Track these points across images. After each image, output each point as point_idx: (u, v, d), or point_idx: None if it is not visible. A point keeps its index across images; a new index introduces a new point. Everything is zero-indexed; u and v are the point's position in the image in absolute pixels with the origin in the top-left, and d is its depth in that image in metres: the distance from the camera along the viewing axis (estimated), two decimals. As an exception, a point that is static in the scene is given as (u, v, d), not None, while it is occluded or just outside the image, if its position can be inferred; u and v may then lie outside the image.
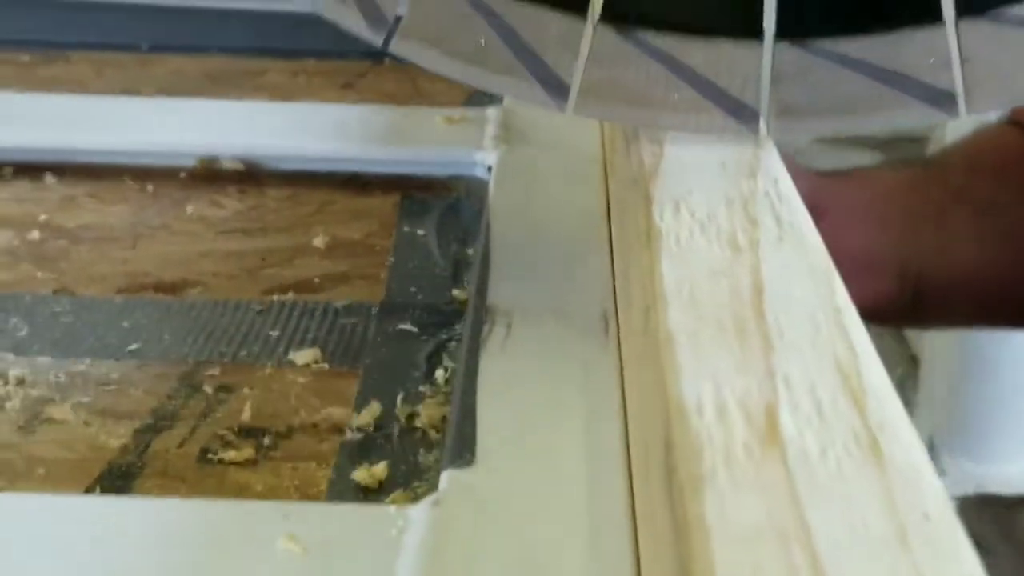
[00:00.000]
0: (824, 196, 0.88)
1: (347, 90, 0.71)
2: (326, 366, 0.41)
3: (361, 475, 0.34)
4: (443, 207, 0.54)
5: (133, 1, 0.88)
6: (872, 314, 0.94)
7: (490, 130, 0.57)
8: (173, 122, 0.59)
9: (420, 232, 0.52)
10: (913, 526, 0.20)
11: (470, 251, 0.49)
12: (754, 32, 0.36)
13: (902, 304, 0.90)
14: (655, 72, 0.37)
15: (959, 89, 0.36)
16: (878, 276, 0.89)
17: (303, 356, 0.41)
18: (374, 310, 0.45)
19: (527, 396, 0.35)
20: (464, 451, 0.32)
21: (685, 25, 0.37)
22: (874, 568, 0.19)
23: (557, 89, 0.37)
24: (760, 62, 0.37)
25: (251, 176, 0.57)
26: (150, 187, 0.55)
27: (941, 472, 1.91)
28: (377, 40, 0.37)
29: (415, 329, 0.43)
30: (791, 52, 0.37)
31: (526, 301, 0.41)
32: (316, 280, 0.47)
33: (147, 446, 0.36)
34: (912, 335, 2.12)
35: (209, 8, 0.86)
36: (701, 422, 0.23)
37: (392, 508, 0.30)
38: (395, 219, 0.53)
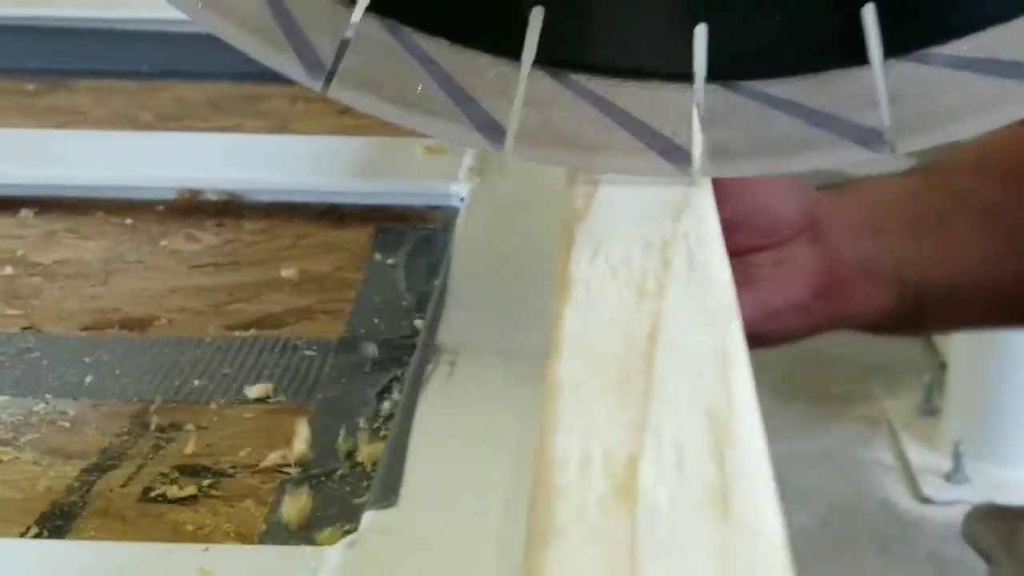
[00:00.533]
0: (821, 211, 0.88)
1: (344, 116, 0.72)
2: (278, 402, 0.42)
3: (289, 514, 0.34)
4: (417, 239, 0.54)
5: (136, 28, 0.89)
6: (873, 325, 0.94)
7: (467, 161, 0.58)
8: (154, 155, 0.60)
9: (391, 263, 0.52)
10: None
11: (436, 283, 0.50)
12: (685, 75, 0.37)
13: (903, 314, 0.90)
14: (589, 115, 0.37)
15: (888, 127, 0.37)
16: (878, 288, 0.89)
17: (255, 391, 0.42)
18: (332, 344, 0.46)
19: (460, 440, 0.36)
20: (388, 492, 0.33)
21: (617, 68, 0.37)
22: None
23: (493, 133, 0.37)
24: (691, 104, 0.37)
25: (230, 209, 0.58)
26: (128, 221, 0.56)
27: (965, 479, 1.91)
28: (316, 86, 0.37)
29: (370, 364, 0.44)
30: (721, 93, 0.37)
31: (474, 340, 0.41)
32: (280, 314, 0.48)
33: (91, 485, 0.37)
34: (940, 341, 2.11)
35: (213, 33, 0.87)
36: (563, 475, 0.23)
37: (309, 549, 0.31)
38: (368, 251, 0.54)
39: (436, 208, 0.57)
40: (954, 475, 1.97)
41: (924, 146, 0.37)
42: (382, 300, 0.49)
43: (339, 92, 0.37)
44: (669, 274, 0.32)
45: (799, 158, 0.38)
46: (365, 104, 0.37)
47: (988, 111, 0.37)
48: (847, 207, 0.90)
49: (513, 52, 0.37)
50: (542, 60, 0.37)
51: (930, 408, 2.14)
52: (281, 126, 0.71)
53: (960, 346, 2.03)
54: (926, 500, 1.94)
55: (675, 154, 0.37)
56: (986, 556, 0.99)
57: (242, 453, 0.39)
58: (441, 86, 0.37)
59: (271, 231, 0.56)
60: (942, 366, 2.10)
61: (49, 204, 0.58)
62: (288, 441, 0.39)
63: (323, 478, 0.37)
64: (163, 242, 0.55)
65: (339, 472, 0.37)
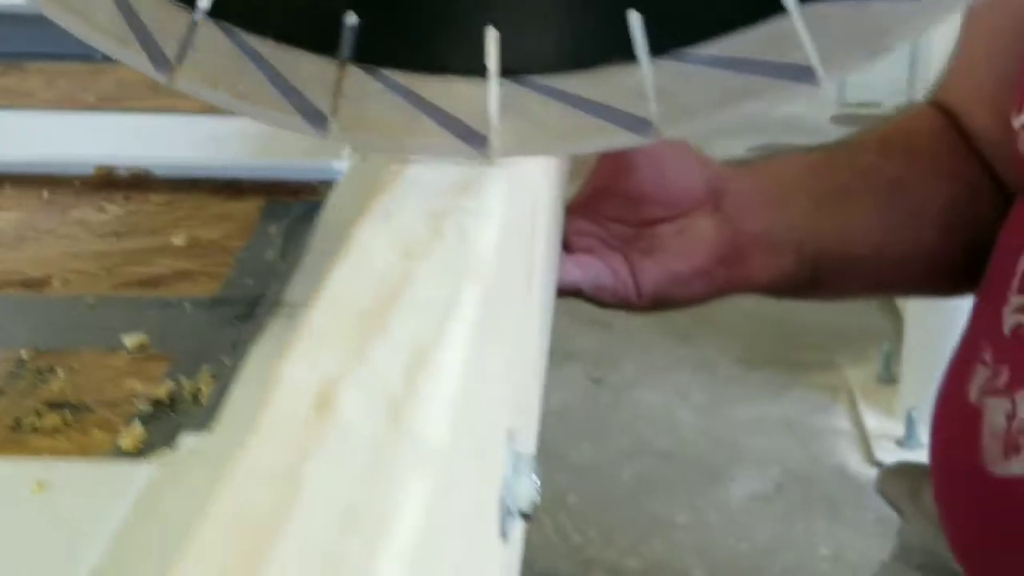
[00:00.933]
0: (724, 182, 0.95)
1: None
2: (149, 350, 0.48)
3: (127, 442, 0.41)
4: (302, 210, 0.61)
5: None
6: (772, 290, 1.01)
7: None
8: (74, 134, 0.66)
9: (274, 232, 0.58)
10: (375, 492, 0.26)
11: (308, 250, 0.56)
12: (479, 71, 0.43)
13: (801, 280, 0.97)
14: (398, 105, 0.43)
15: (654, 117, 0.43)
16: (776, 256, 0.95)
17: (130, 340, 0.48)
18: (206, 302, 0.52)
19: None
20: (208, 420, 0.39)
21: (421, 65, 0.43)
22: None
23: (317, 120, 0.44)
24: (486, 96, 0.43)
25: (139, 183, 0.64)
26: (45, 194, 0.62)
27: (917, 444, 1.97)
28: (162, 79, 0.43)
29: (233, 319, 0.50)
30: (511, 87, 0.43)
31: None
32: (166, 276, 0.54)
33: (-30, 420, 0.43)
34: (904, 311, 2.17)
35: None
36: (278, 393, 0.29)
37: (127, 465, 0.37)
38: (256, 221, 0.60)
39: (325, 183, 0.63)
40: (907, 440, 2.03)
41: (685, 133, 0.43)
42: (259, 264, 0.55)
43: (182, 84, 0.43)
44: (437, 241, 0.38)
45: (579, 143, 0.44)
46: (205, 95, 0.43)
47: (735, 102, 0.43)
48: (750, 180, 0.97)
49: (331, 50, 0.43)
50: (356, 57, 0.43)
51: (888, 376, 2.20)
52: (212, 107, 0.77)
53: (915, 315, 2.10)
54: (878, 464, 2.00)
55: (474, 139, 0.43)
56: (897, 510, 1.05)
57: (105, 393, 0.45)
58: (270, 80, 0.43)
59: (173, 203, 0.62)
60: (901, 337, 2.16)
61: (-23, 178, 0.64)
62: (148, 383, 0.45)
63: (169, 413, 0.43)
64: (75, 213, 0.61)
65: (182, 409, 0.43)
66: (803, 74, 0.42)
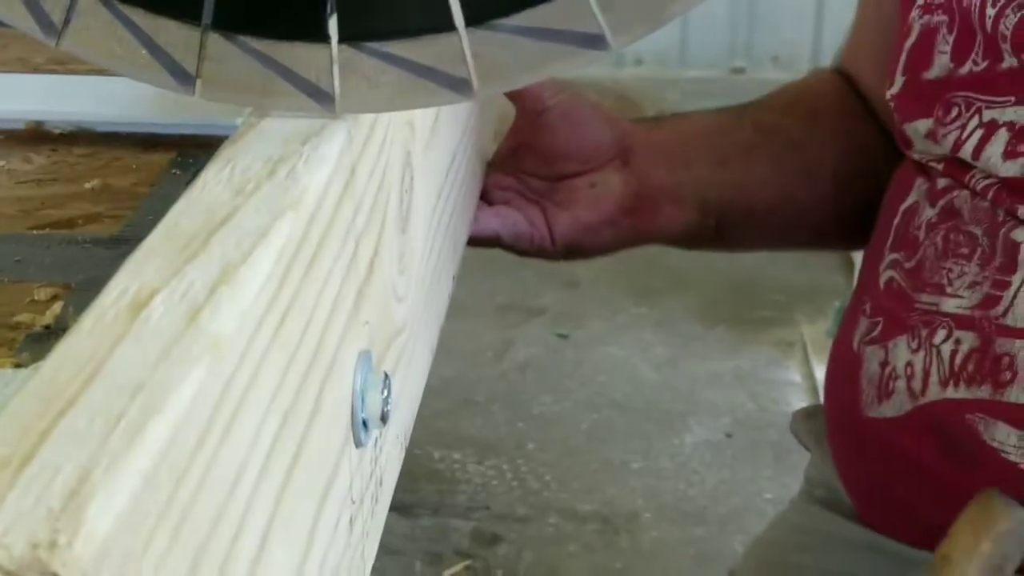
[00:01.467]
0: (633, 140, 1.02)
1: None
2: (50, 283, 0.55)
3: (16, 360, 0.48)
4: (207, 161, 0.67)
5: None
6: (678, 241, 1.08)
7: (249, 121, 0.71)
8: (10, 92, 0.73)
9: (178, 180, 0.66)
10: (161, 372, 0.33)
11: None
12: (323, 38, 0.50)
13: (706, 232, 1.04)
14: (255, 67, 0.50)
15: (472, 77, 0.50)
16: (681, 209, 1.03)
17: (34, 273, 0.55)
18: (105, 240, 0.59)
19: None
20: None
21: (277, 32, 0.50)
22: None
23: (185, 79, 0.51)
24: (329, 59, 0.50)
25: (66, 138, 0.71)
26: (-22, 146, 0.69)
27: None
28: (51, 42, 0.50)
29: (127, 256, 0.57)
30: (351, 52, 0.50)
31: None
32: (76, 217, 0.62)
33: None
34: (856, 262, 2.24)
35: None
36: (102, 301, 0.37)
37: (11, 370, 0.45)
38: (163, 171, 0.67)
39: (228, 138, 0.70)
40: (853, 393, 2.11)
41: (498, 91, 0.51)
42: (159, 209, 0.62)
43: (68, 46, 0.50)
44: (269, 181, 0.45)
45: (412, 100, 0.51)
46: (88, 55, 0.51)
47: (539, 65, 0.50)
48: (657, 137, 1.04)
49: (195, 18, 0.50)
50: (216, 24, 0.50)
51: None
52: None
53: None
54: (825, 416, 2.07)
55: (321, 97, 0.51)
56: (807, 449, 1.13)
57: (8, 319, 0.52)
58: (143, 43, 0.50)
59: (93, 155, 0.69)
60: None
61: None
62: (46, 310, 0.52)
63: (60, 333, 0.50)
64: (1, 162, 0.68)
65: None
66: (596, 41, 0.49)
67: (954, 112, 0.87)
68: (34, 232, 0.60)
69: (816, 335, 2.35)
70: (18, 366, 0.48)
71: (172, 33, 0.50)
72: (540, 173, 1.01)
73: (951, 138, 0.86)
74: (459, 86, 0.50)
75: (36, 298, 0.54)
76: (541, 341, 2.38)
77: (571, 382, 2.25)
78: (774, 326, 2.42)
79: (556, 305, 2.46)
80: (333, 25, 0.50)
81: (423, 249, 0.70)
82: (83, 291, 0.54)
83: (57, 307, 0.52)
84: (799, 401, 2.18)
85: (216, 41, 0.50)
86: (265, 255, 0.40)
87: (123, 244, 0.59)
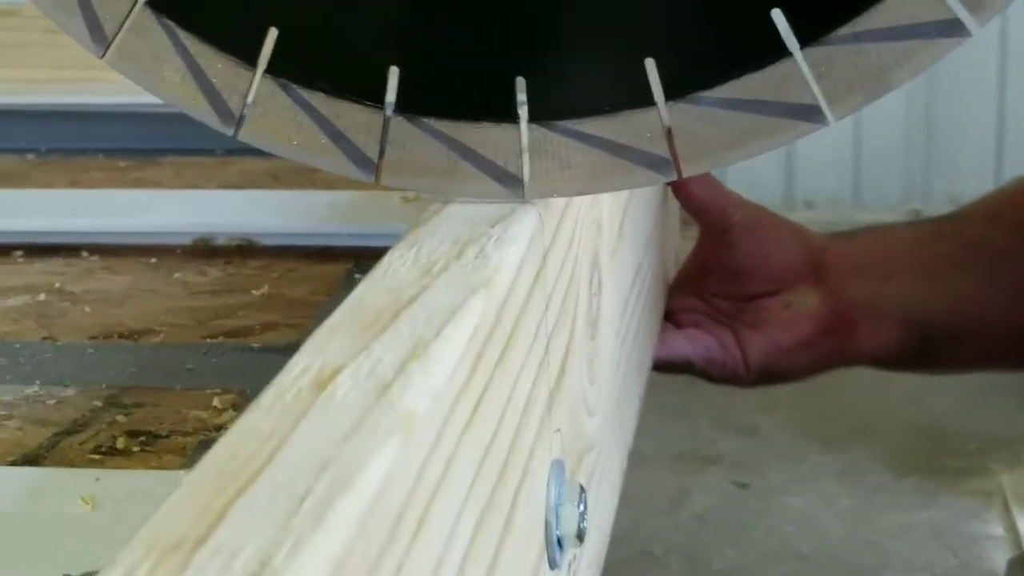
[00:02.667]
0: (826, 256, 0.97)
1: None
2: (226, 389, 0.52)
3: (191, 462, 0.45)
4: (384, 272, 0.65)
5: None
6: (881, 363, 1.02)
7: (434, 207, 0.68)
8: (183, 207, 0.72)
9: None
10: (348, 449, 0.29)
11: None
12: (511, 117, 0.47)
13: (910, 353, 0.98)
14: (438, 150, 0.47)
15: (673, 155, 0.46)
16: (883, 327, 0.97)
17: (209, 379, 0.53)
18: (280, 347, 0.56)
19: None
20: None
21: (460, 113, 0.47)
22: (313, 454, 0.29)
23: (366, 165, 0.48)
24: (518, 140, 0.47)
25: (240, 251, 0.69)
26: (153, 260, 0.68)
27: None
28: (228, 131, 0.48)
29: (305, 362, 0.54)
30: (540, 132, 0.47)
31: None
32: (250, 327, 0.59)
33: (56, 443, 0.48)
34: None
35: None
36: (285, 377, 0.33)
37: (182, 472, 0.41)
38: (339, 281, 0.64)
39: (409, 248, 0.67)
40: (1059, 543, 1.98)
41: (703, 171, 0.47)
42: (338, 317, 0.59)
43: (246, 136, 0.48)
44: (457, 261, 0.41)
45: (606, 182, 0.47)
46: (266, 144, 0.48)
47: (748, 141, 0.46)
48: (854, 252, 0.98)
49: (377, 102, 0.47)
50: (399, 107, 0.47)
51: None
52: (311, 182, 0.82)
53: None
54: (1031, 569, 1.95)
55: (508, 180, 0.47)
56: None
57: (181, 424, 0.49)
58: (323, 129, 0.48)
59: (268, 267, 0.67)
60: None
61: (96, 248, 0.70)
62: (218, 415, 0.49)
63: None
64: (177, 275, 0.66)
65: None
66: (811, 113, 0.45)
67: None
68: (207, 341, 0.58)
69: (1017, 485, 2.22)
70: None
71: (353, 117, 0.48)
72: (728, 293, 0.96)
73: None
74: (659, 165, 0.46)
75: (209, 405, 0.51)
76: (719, 490, 2.30)
77: (753, 534, 2.16)
78: (969, 476, 2.30)
79: (733, 453, 2.38)
80: (522, 104, 0.46)
81: (611, 361, 0.66)
82: (255, 395, 0.51)
83: (231, 413, 0.49)
84: (1002, 556, 2.05)
85: (399, 124, 0.47)
86: (458, 333, 0.36)
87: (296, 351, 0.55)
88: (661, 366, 0.87)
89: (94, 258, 0.69)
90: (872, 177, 3.47)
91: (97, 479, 0.41)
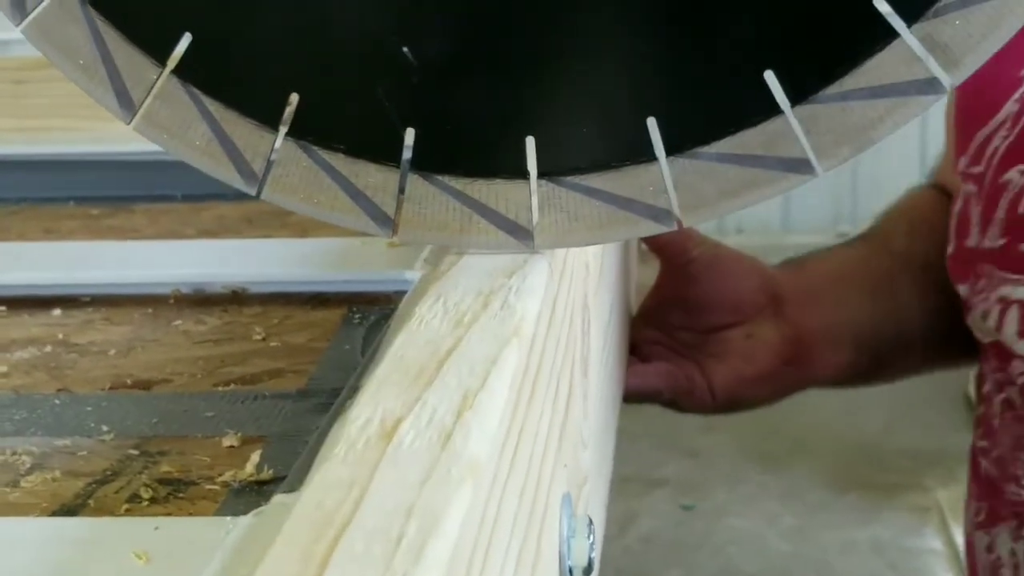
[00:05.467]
0: (781, 286, 1.01)
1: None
2: (246, 436, 0.55)
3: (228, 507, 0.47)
4: (378, 316, 0.67)
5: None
6: (838, 381, 1.06)
7: (423, 253, 0.71)
8: (175, 258, 0.74)
9: (354, 335, 0.65)
10: (427, 495, 0.32)
11: (384, 349, 0.62)
12: (520, 173, 0.50)
13: (862, 369, 1.02)
14: (452, 205, 0.50)
15: (675, 207, 0.49)
16: (838, 350, 1.01)
17: (229, 427, 0.55)
18: (292, 394, 0.58)
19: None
20: (295, 483, 0.45)
21: (472, 170, 0.50)
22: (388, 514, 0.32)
23: (384, 221, 0.51)
24: (528, 195, 0.50)
25: (235, 299, 0.71)
26: (150, 310, 0.70)
27: None
28: (251, 191, 0.51)
29: (318, 408, 0.57)
30: (549, 187, 0.50)
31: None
32: (258, 374, 0.61)
33: (92, 493, 0.50)
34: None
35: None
36: (349, 429, 0.36)
37: (228, 518, 0.44)
38: (337, 327, 0.67)
39: (399, 292, 0.70)
40: (996, 556, 2.04)
41: (702, 221, 0.50)
42: (340, 362, 0.62)
43: (269, 196, 0.51)
44: (485, 312, 0.44)
45: (611, 233, 0.50)
46: (288, 203, 0.51)
47: (743, 192, 0.49)
48: (804, 281, 1.03)
49: (393, 161, 0.50)
50: (414, 166, 0.50)
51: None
52: (301, 235, 0.85)
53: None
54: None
55: (519, 233, 0.50)
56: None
57: (208, 471, 0.52)
58: (342, 188, 0.50)
59: (265, 314, 0.69)
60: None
61: (93, 300, 0.72)
62: (244, 463, 0.52)
63: (263, 485, 0.50)
64: (176, 323, 0.68)
65: (271, 483, 0.50)
66: (801, 166, 0.48)
67: (981, 283, 0.87)
68: (219, 389, 0.60)
69: (953, 501, 2.28)
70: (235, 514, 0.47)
71: (371, 176, 0.50)
72: (689, 326, 0.99)
73: (979, 309, 0.86)
74: (660, 216, 0.50)
75: (233, 452, 0.53)
76: (664, 513, 2.34)
77: (699, 555, 2.20)
78: (905, 492, 2.36)
79: (678, 475, 2.42)
80: (532, 161, 0.50)
81: (597, 395, 0.69)
82: (277, 443, 0.54)
83: (255, 457, 0.51)
84: (942, 570, 2.11)
85: (415, 181, 0.50)
86: (500, 382, 0.39)
87: (312, 397, 0.58)
88: (632, 397, 0.90)
89: (90, 309, 0.71)
90: (800, 201, 3.54)
91: (156, 528, 0.44)
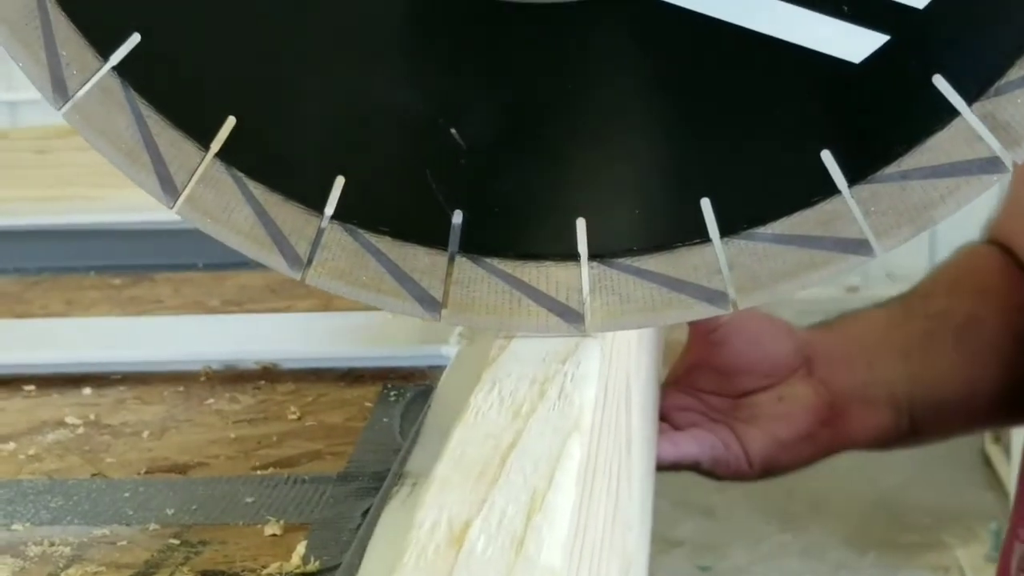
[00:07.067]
0: (812, 348, 0.99)
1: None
2: (288, 524, 0.53)
3: (274, 599, 0.46)
4: (415, 393, 0.66)
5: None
6: (875, 444, 1.04)
7: (458, 328, 0.70)
8: (210, 332, 0.73)
9: (391, 413, 0.64)
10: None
11: (420, 427, 0.61)
12: (571, 256, 0.49)
13: (900, 431, 1.00)
14: (501, 288, 0.49)
15: (729, 289, 0.48)
16: (874, 412, 0.99)
17: (270, 515, 0.54)
18: (332, 478, 0.57)
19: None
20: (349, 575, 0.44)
21: (521, 253, 0.49)
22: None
23: (431, 305, 0.50)
24: (579, 277, 0.49)
25: (267, 375, 0.70)
26: (181, 388, 0.69)
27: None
28: (296, 276, 0.50)
29: (360, 492, 0.55)
30: (600, 269, 0.49)
31: (434, 467, 0.53)
32: (296, 456, 0.60)
33: (134, 587, 0.49)
34: (1008, 487, 2.17)
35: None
36: (417, 533, 0.34)
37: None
38: (373, 405, 0.66)
39: (434, 367, 0.68)
40: (1019, 616, 2.01)
41: (757, 303, 0.49)
42: (378, 443, 0.61)
43: (313, 280, 0.50)
44: (542, 402, 0.43)
45: (664, 315, 0.49)
46: (333, 287, 0.50)
47: (799, 274, 0.48)
48: (838, 342, 1.01)
49: (441, 244, 0.49)
50: (463, 248, 0.49)
51: (998, 554, 2.18)
52: (326, 305, 0.84)
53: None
54: (992, 642, 1.98)
55: (570, 315, 0.49)
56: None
57: (252, 562, 0.50)
58: (389, 271, 0.49)
59: (298, 392, 0.68)
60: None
61: (123, 378, 0.70)
62: (289, 553, 0.50)
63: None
64: (209, 401, 0.67)
65: (320, 571, 0.49)
66: (859, 247, 0.47)
67: None
68: (258, 472, 0.59)
69: (973, 559, 2.26)
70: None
71: (419, 259, 0.50)
72: (720, 390, 0.98)
73: None
74: (715, 299, 0.49)
75: (276, 541, 0.52)
76: (682, 574, 2.32)
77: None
78: (925, 551, 2.33)
79: (695, 535, 2.40)
80: (583, 243, 0.49)
81: (639, 473, 0.67)
82: (321, 531, 0.52)
83: (301, 548, 0.50)
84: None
85: (463, 264, 0.49)
86: (566, 480, 0.38)
87: (352, 481, 0.57)
88: (668, 466, 0.89)
89: (122, 387, 0.70)
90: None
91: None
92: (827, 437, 0.96)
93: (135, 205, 0.98)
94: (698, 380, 0.98)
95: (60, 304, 0.92)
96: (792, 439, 0.94)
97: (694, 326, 0.98)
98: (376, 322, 0.74)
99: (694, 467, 0.91)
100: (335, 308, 0.81)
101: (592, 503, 0.42)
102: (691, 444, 0.90)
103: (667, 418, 0.96)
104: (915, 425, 1.01)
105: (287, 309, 0.84)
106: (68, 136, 1.15)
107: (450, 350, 0.68)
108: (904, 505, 2.48)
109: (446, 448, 0.40)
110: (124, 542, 0.52)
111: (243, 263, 0.99)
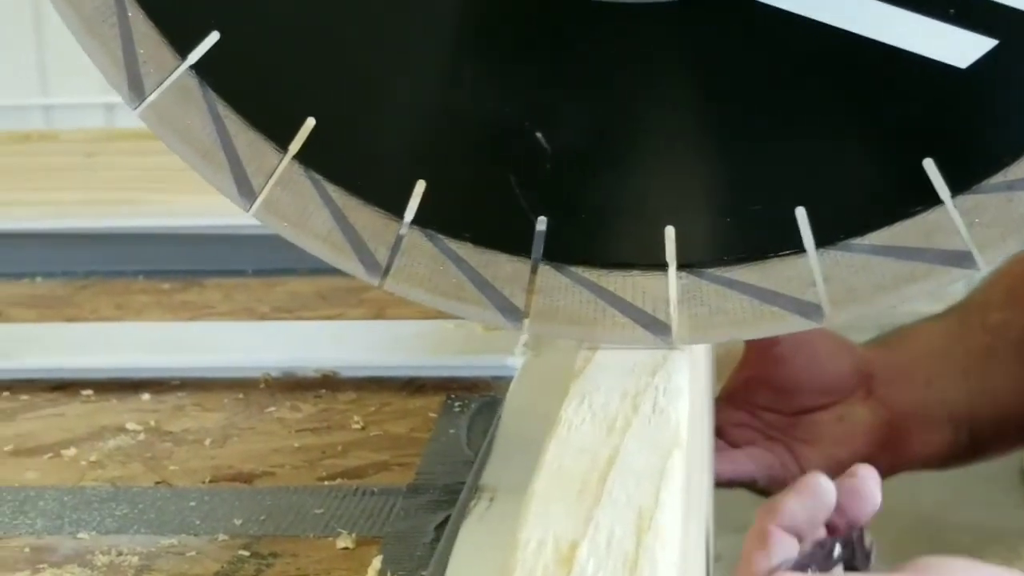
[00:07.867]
0: (871, 366, 0.97)
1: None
2: (360, 537, 0.52)
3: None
4: (479, 404, 0.65)
5: (257, 232, 1.01)
6: (935, 463, 1.01)
7: (523, 338, 0.68)
8: (268, 339, 0.72)
9: (457, 424, 0.63)
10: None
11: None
12: (659, 265, 0.47)
13: (960, 449, 0.97)
14: (586, 298, 0.48)
15: (824, 302, 0.47)
16: (934, 431, 0.96)
17: (342, 528, 0.52)
18: (402, 490, 0.56)
19: (494, 558, 0.45)
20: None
21: (606, 261, 0.48)
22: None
23: (512, 314, 0.48)
24: (666, 287, 0.47)
25: (328, 383, 0.69)
26: (240, 395, 0.67)
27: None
28: (374, 282, 0.48)
29: (432, 505, 0.54)
30: (688, 279, 0.47)
31: (511, 481, 0.51)
32: (363, 467, 0.59)
33: (206, 598, 0.47)
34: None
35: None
36: (523, 554, 0.33)
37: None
38: (438, 415, 0.64)
39: (498, 378, 0.67)
40: (1063, 637, 1.99)
41: (852, 316, 0.47)
42: (446, 455, 0.59)
43: (392, 286, 0.48)
44: (636, 416, 0.42)
45: (755, 328, 0.47)
46: (411, 294, 0.48)
47: (898, 286, 0.46)
48: (897, 360, 0.98)
49: (524, 251, 0.47)
50: (546, 256, 0.47)
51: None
52: (378, 313, 0.82)
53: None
54: (1035, 662, 1.95)
55: (657, 327, 0.48)
56: None
57: (325, 575, 0.49)
58: (469, 278, 0.48)
59: (360, 401, 0.67)
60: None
61: (182, 384, 0.69)
62: (363, 567, 0.49)
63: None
64: (270, 409, 0.66)
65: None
66: (962, 259, 0.46)
67: None
68: (325, 483, 0.57)
69: (1014, 578, 2.23)
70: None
71: (500, 267, 0.48)
72: (777, 408, 0.95)
73: None
74: (809, 311, 0.47)
75: (347, 554, 0.51)
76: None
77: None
78: (964, 567, 2.30)
79: (730, 551, 2.38)
80: (672, 252, 0.47)
81: (708, 488, 0.66)
82: (394, 545, 0.51)
83: (377, 563, 0.49)
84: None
85: (547, 272, 0.48)
86: (672, 498, 0.36)
87: (423, 493, 0.55)
88: (724, 484, 0.87)
89: (181, 393, 0.68)
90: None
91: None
92: (887, 459, 0.94)
93: (186, 210, 0.97)
94: (754, 396, 0.96)
95: (110, 308, 0.91)
96: (851, 461, 0.91)
97: (751, 342, 0.96)
98: (437, 330, 0.73)
99: (750, 485, 0.89)
100: (388, 316, 0.80)
101: (691, 518, 0.40)
102: (748, 462, 0.88)
103: (722, 434, 0.94)
104: (975, 442, 0.98)
105: (339, 316, 0.83)
106: (117, 140, 1.14)
107: (515, 361, 0.66)
108: (944, 523, 2.45)
109: (541, 463, 0.39)
110: (193, 552, 0.51)
111: (291, 269, 0.98)
